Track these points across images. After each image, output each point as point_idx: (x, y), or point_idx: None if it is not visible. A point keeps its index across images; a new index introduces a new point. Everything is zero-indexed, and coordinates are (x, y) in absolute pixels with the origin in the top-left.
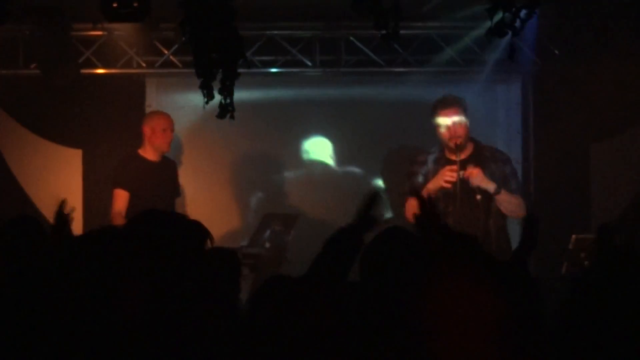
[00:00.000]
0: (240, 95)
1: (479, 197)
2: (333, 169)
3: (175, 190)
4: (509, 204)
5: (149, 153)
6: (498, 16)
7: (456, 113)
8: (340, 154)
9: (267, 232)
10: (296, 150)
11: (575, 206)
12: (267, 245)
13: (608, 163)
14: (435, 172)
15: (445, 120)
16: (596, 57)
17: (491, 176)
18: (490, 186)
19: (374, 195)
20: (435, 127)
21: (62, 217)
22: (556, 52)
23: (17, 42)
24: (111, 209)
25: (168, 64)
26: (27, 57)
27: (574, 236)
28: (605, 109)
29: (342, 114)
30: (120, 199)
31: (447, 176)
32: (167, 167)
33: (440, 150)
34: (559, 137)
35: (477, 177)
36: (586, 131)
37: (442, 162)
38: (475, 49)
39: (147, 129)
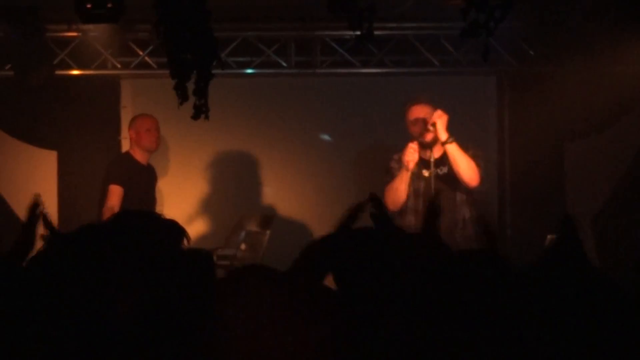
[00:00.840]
0: (214, 95)
1: (447, 192)
2: (309, 167)
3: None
4: (462, 160)
5: (138, 155)
6: (472, 16)
7: (426, 111)
8: (315, 153)
9: (243, 233)
10: (271, 150)
11: (550, 205)
12: (243, 246)
13: (582, 163)
14: (413, 174)
15: (415, 118)
16: (570, 57)
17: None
18: (444, 135)
19: (358, 208)
20: (407, 126)
21: (34, 213)
22: (531, 52)
23: None
24: (105, 203)
25: (143, 65)
26: (1, 58)
27: (549, 236)
28: (580, 110)
29: (317, 114)
30: (115, 194)
31: (408, 154)
32: (152, 173)
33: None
34: (533, 136)
35: (440, 118)
36: (561, 131)
37: (419, 161)
38: (450, 49)
39: (132, 133)
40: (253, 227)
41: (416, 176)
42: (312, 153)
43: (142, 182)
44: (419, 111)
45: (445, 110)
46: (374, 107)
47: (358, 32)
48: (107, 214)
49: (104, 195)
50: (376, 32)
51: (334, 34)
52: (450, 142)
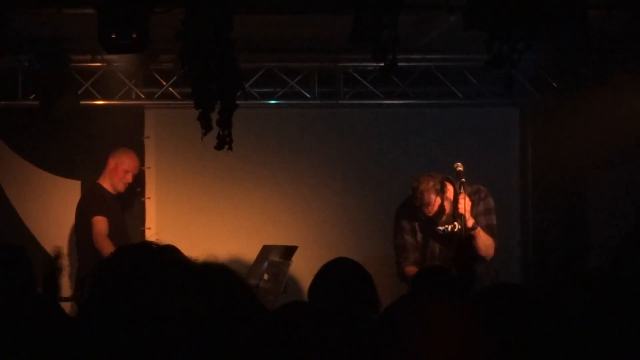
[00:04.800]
0: (237, 126)
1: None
2: (332, 198)
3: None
4: (482, 243)
5: (107, 185)
6: (495, 48)
7: (429, 191)
8: (339, 184)
9: (265, 264)
10: (295, 180)
11: (572, 236)
12: (266, 276)
13: (605, 193)
14: (427, 234)
15: (418, 200)
16: (594, 89)
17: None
18: (470, 220)
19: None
20: (416, 203)
21: (52, 273)
22: (554, 84)
23: (16, 73)
24: (97, 234)
25: (167, 95)
26: (26, 88)
27: None
28: (603, 141)
29: (341, 144)
30: (102, 224)
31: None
32: (127, 199)
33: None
34: (556, 167)
35: (463, 204)
36: (584, 162)
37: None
38: (473, 81)
39: (111, 163)
40: (276, 257)
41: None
42: (335, 184)
43: (116, 210)
44: (422, 193)
45: (468, 142)
46: (397, 139)
47: (382, 64)
48: (104, 241)
49: (86, 226)
50: (399, 64)
51: (358, 65)
52: (475, 229)
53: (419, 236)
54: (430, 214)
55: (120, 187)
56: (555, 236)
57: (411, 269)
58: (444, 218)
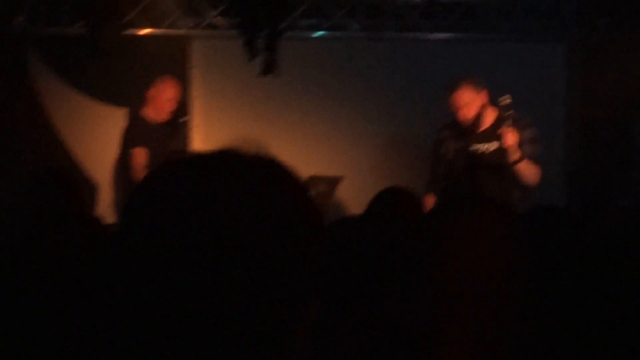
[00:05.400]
0: (283, 56)
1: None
2: (378, 128)
3: (180, 150)
4: (528, 174)
5: (151, 113)
6: None
7: (464, 95)
8: (380, 116)
9: (313, 194)
10: (338, 111)
11: (617, 174)
12: None
13: None
14: (462, 146)
15: (453, 104)
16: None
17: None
18: (517, 154)
19: None
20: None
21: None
22: (603, 20)
23: (64, 0)
24: (136, 166)
25: (213, 25)
26: (73, 16)
27: None
28: None
29: (383, 79)
30: (141, 156)
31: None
32: (172, 127)
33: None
34: (603, 107)
35: (510, 138)
36: (631, 102)
37: (466, 134)
38: (521, 15)
39: (152, 92)
40: (322, 187)
41: (459, 152)
42: (381, 115)
43: (160, 140)
44: (455, 97)
45: (514, 77)
46: (442, 73)
47: None
48: (140, 174)
49: (126, 157)
50: None
51: None
52: (520, 161)
53: (450, 154)
54: (467, 118)
55: (164, 115)
56: (600, 174)
57: (428, 199)
58: (480, 132)
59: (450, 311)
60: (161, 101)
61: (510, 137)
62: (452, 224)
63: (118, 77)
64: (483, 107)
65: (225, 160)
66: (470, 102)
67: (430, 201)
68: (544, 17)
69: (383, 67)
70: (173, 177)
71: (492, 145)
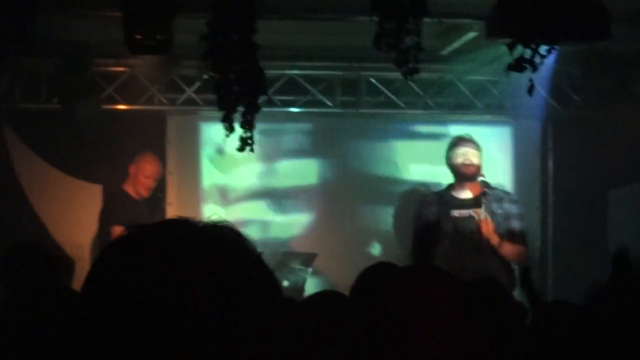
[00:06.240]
0: (259, 133)
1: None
2: (351, 206)
3: None
4: (510, 252)
5: (132, 191)
6: (518, 52)
7: (472, 147)
8: (358, 192)
9: (285, 270)
10: (314, 187)
11: (593, 252)
12: (285, 283)
13: (626, 210)
14: (442, 213)
15: (460, 151)
16: (615, 103)
17: (492, 216)
18: (495, 239)
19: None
20: (448, 160)
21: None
22: (576, 98)
23: (41, 76)
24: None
25: (189, 101)
26: (50, 92)
27: None
28: (624, 156)
29: (359, 154)
30: (119, 233)
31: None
32: (151, 205)
33: (448, 189)
34: (577, 182)
35: (486, 227)
36: (605, 177)
37: (450, 201)
38: (494, 92)
39: (132, 169)
40: (296, 264)
41: (443, 216)
42: (355, 192)
43: (139, 217)
44: (464, 145)
45: (490, 154)
46: (418, 148)
47: (403, 70)
48: None
49: (104, 234)
50: (422, 74)
51: (380, 74)
52: (501, 246)
53: (433, 216)
54: (470, 172)
55: (144, 193)
56: (575, 251)
57: None
58: (462, 199)
59: None
60: (141, 178)
61: (485, 226)
62: (401, 294)
63: (95, 152)
64: (477, 173)
65: (175, 230)
66: (475, 154)
67: None
68: (519, 94)
69: (359, 141)
70: (126, 248)
71: (473, 213)
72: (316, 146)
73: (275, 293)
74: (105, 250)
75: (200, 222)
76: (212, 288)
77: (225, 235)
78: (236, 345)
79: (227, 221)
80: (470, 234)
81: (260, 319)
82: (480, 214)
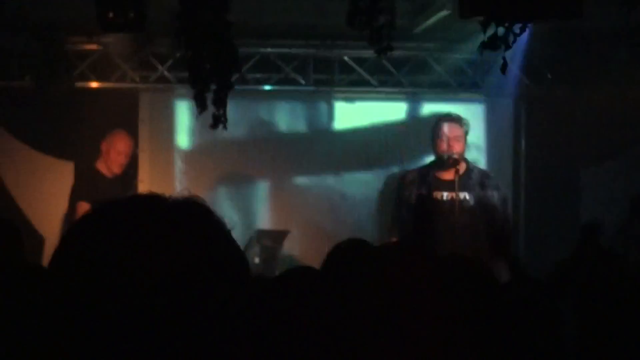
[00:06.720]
0: (231, 112)
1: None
2: (323, 184)
3: None
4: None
5: (103, 168)
6: (491, 30)
7: (457, 129)
8: (330, 170)
9: (257, 247)
10: (286, 167)
11: (565, 231)
12: (257, 260)
13: (598, 188)
14: (425, 192)
15: (445, 132)
16: (587, 81)
17: (477, 201)
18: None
19: None
20: (433, 140)
21: None
22: (548, 75)
23: (12, 53)
24: (74, 219)
25: (162, 79)
26: (22, 69)
27: None
28: (596, 134)
29: (336, 133)
30: (83, 209)
31: None
32: (120, 183)
33: (431, 167)
34: (549, 161)
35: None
36: (577, 156)
37: (433, 182)
38: (467, 70)
39: (104, 146)
40: (267, 242)
41: (428, 200)
42: (327, 170)
43: (111, 194)
44: (450, 127)
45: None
46: (390, 127)
47: (377, 48)
48: None
49: (72, 210)
50: (395, 52)
51: (353, 52)
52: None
53: (413, 199)
54: (454, 151)
55: (116, 170)
56: (547, 231)
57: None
58: (445, 180)
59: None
60: (113, 154)
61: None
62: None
63: (67, 130)
64: (461, 154)
65: (145, 204)
66: (460, 137)
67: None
68: (492, 72)
69: (331, 120)
70: (94, 224)
71: (466, 198)
72: (288, 124)
73: (243, 268)
74: (73, 226)
75: (169, 197)
76: (178, 263)
77: (194, 211)
78: (203, 321)
79: (197, 197)
80: (450, 216)
81: (226, 293)
82: (462, 197)
